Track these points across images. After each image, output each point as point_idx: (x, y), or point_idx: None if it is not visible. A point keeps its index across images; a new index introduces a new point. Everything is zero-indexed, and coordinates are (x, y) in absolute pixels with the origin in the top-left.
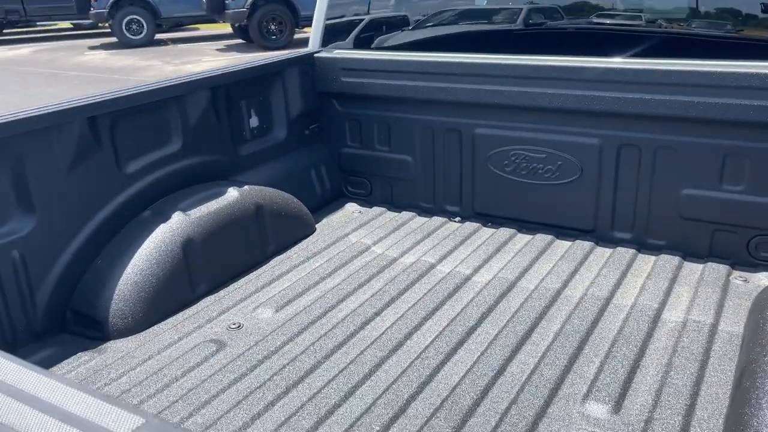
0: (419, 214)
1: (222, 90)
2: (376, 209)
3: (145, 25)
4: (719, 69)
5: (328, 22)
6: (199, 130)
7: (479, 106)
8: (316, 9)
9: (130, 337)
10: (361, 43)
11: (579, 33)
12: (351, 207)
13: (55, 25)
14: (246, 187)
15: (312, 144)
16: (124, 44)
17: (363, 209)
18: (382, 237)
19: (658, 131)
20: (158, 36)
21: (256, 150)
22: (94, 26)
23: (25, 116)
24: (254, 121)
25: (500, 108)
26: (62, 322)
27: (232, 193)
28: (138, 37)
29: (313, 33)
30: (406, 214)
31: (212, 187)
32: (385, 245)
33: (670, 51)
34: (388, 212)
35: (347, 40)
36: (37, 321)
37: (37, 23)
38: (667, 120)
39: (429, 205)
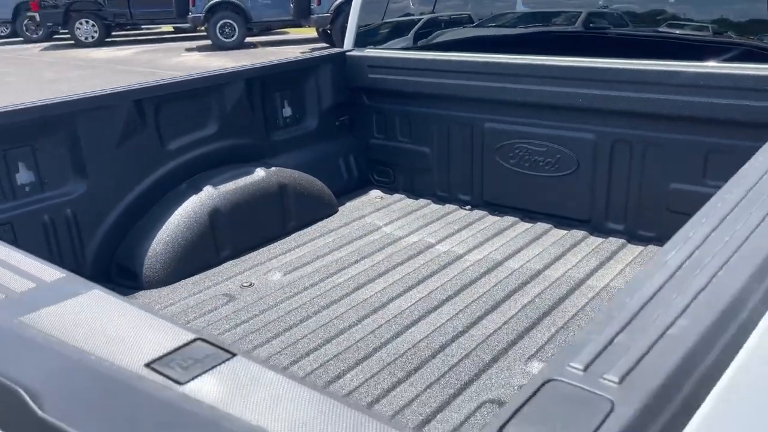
0: (434, 202)
1: (257, 82)
2: (397, 196)
3: (236, 28)
4: (702, 70)
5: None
6: (235, 117)
7: (488, 102)
8: (350, 14)
9: (158, 288)
10: (416, 39)
11: (578, 36)
12: (374, 193)
13: (158, 28)
14: (273, 168)
15: (342, 134)
16: (218, 46)
17: (385, 196)
18: (393, 219)
19: (648, 128)
20: (248, 39)
21: (288, 137)
22: (192, 29)
23: (81, 97)
24: (287, 111)
25: (507, 104)
26: (108, 274)
27: (259, 173)
28: (230, 39)
29: (348, 34)
30: (422, 201)
31: (242, 167)
32: (395, 226)
33: (658, 52)
34: (407, 199)
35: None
36: (86, 271)
37: (142, 26)
38: (655, 118)
39: (444, 194)
